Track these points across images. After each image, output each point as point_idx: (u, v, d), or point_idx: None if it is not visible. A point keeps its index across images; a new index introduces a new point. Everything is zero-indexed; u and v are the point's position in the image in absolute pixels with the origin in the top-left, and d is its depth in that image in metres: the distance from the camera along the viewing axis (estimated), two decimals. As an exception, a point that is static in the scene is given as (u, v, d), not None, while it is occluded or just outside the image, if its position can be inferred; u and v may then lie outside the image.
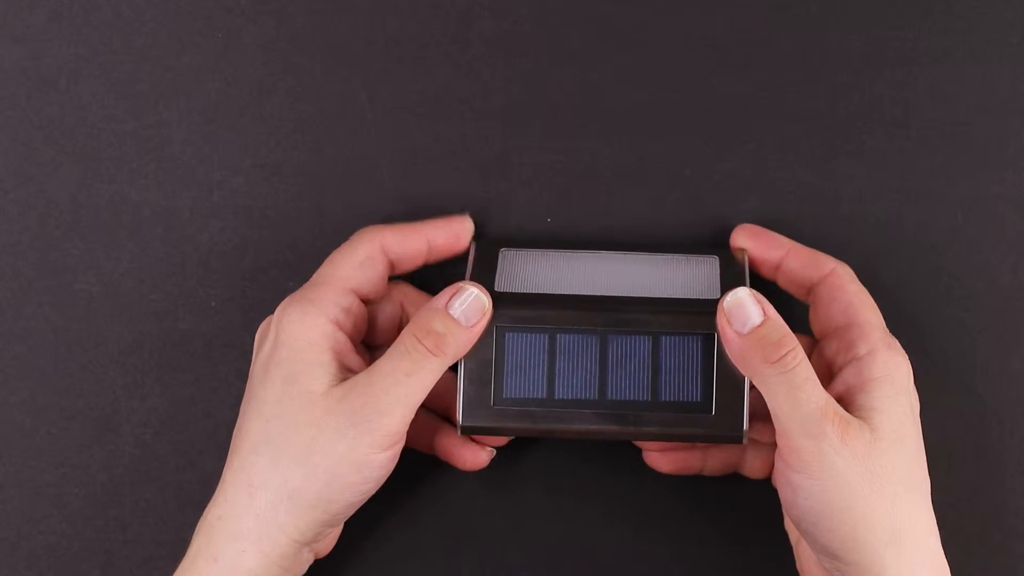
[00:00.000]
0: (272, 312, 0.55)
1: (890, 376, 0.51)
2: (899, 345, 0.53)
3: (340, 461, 0.50)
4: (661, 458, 0.56)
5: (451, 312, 0.52)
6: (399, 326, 0.56)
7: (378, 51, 0.59)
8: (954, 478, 0.58)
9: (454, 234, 0.56)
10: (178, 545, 0.57)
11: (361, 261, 0.54)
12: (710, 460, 0.56)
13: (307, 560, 0.53)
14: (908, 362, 0.53)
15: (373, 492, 0.52)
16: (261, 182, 0.59)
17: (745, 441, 0.53)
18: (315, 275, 0.54)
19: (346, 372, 0.52)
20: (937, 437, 0.58)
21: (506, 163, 0.59)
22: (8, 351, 0.59)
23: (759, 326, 0.51)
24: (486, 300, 0.52)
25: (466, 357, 0.52)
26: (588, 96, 0.59)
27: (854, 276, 0.55)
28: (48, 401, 0.59)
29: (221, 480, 0.52)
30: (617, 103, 0.59)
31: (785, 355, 0.50)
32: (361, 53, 0.59)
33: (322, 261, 0.58)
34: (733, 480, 0.57)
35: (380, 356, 0.52)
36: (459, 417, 0.53)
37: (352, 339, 0.53)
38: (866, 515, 0.49)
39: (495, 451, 0.56)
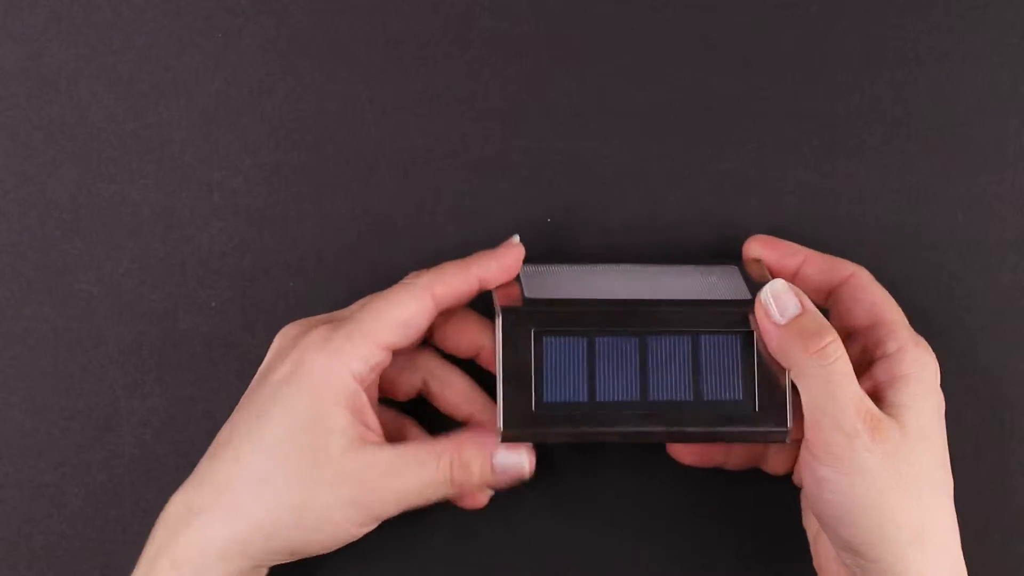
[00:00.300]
0: (274, 313, 0.55)
1: (919, 374, 0.52)
2: (927, 344, 0.53)
3: (327, 524, 0.51)
4: (684, 449, 0.56)
5: (495, 461, 0.52)
6: (415, 391, 0.56)
7: (378, 51, 0.59)
8: (954, 478, 0.58)
9: (505, 269, 0.54)
10: (178, 545, 0.57)
11: (404, 319, 0.52)
12: (732, 454, 0.56)
13: (262, 573, 0.54)
14: (936, 361, 0.53)
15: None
16: (261, 182, 0.59)
17: (788, 440, 0.52)
18: (356, 318, 0.52)
19: (359, 430, 0.51)
20: (937, 437, 0.58)
21: (506, 163, 0.59)
22: (8, 351, 0.59)
23: (798, 316, 0.51)
24: (528, 470, 0.52)
25: (504, 363, 0.51)
26: (588, 96, 0.59)
27: (873, 278, 0.55)
28: (48, 401, 0.59)
29: (198, 483, 0.51)
30: (617, 103, 0.59)
31: (826, 346, 0.50)
32: (361, 53, 0.59)
33: (322, 261, 0.58)
34: (748, 477, 0.57)
35: (397, 421, 0.54)
36: (500, 424, 0.51)
37: (370, 395, 0.53)
38: (892, 513, 0.50)
39: (493, 492, 0.56)
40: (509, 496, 0.58)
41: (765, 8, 0.59)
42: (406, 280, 0.53)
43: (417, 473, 0.51)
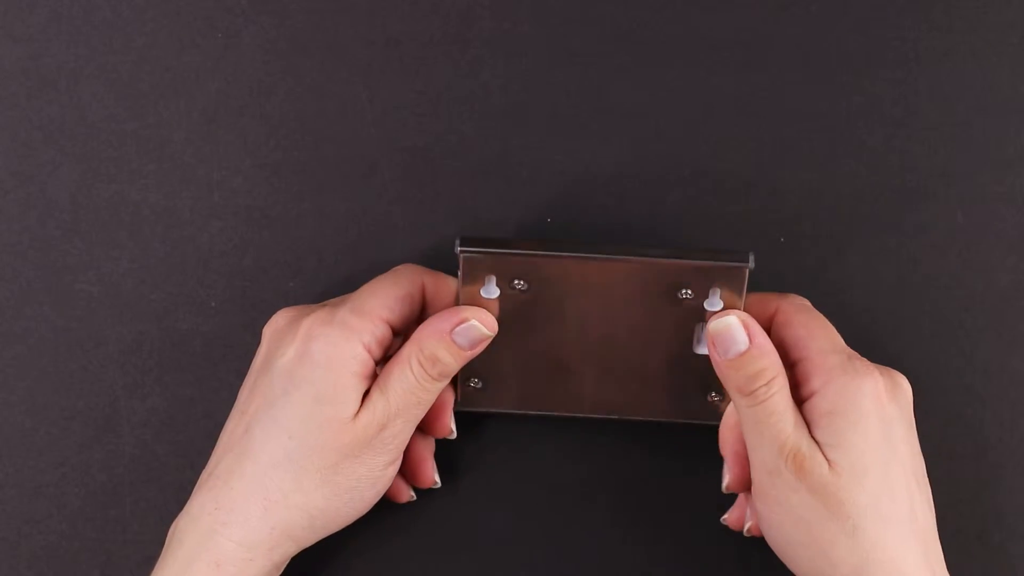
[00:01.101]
0: (271, 311, 0.55)
1: (844, 407, 0.50)
2: (862, 365, 0.51)
3: (360, 481, 0.52)
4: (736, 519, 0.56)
5: (456, 340, 0.52)
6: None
7: (378, 51, 0.59)
8: (954, 478, 0.58)
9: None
10: (178, 545, 0.57)
11: (401, 296, 0.53)
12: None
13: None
14: (875, 379, 0.51)
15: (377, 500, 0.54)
16: (261, 182, 0.59)
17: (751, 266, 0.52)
18: (353, 297, 0.53)
19: (366, 394, 0.52)
20: (937, 437, 0.58)
21: (506, 163, 0.59)
22: (8, 351, 0.59)
23: (741, 355, 0.50)
24: (488, 330, 0.53)
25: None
26: (588, 96, 0.59)
27: (801, 304, 0.54)
28: (48, 401, 0.59)
29: (225, 481, 0.51)
30: (617, 103, 0.59)
31: (757, 389, 0.50)
32: (361, 53, 0.59)
33: (322, 261, 0.58)
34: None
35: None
36: (457, 242, 0.52)
37: (378, 361, 0.53)
38: (825, 549, 0.49)
39: (415, 497, 0.57)
40: (507, 500, 0.59)
41: (765, 8, 0.59)
42: (399, 267, 0.55)
43: (403, 390, 0.52)
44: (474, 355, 0.53)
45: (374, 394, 0.52)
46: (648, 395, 0.55)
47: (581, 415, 0.56)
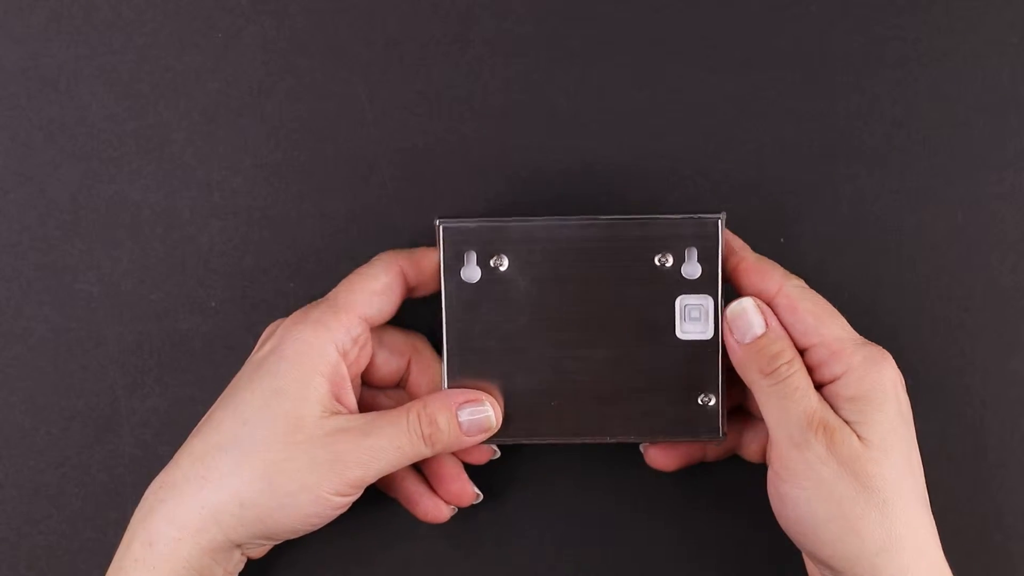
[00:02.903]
0: (274, 313, 0.55)
1: (869, 392, 0.51)
2: (878, 352, 0.52)
3: (301, 490, 0.50)
4: (663, 457, 0.56)
5: (460, 416, 0.52)
6: (397, 378, 0.56)
7: (378, 51, 0.59)
8: (954, 478, 0.58)
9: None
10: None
11: (379, 289, 0.53)
12: (710, 448, 0.56)
13: (240, 560, 0.53)
14: (891, 365, 0.52)
15: (320, 527, 0.52)
16: (261, 182, 0.59)
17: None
18: (331, 295, 0.53)
19: (335, 405, 0.52)
20: (937, 437, 0.58)
21: (506, 163, 0.59)
22: (8, 351, 0.59)
23: (760, 337, 0.51)
24: (495, 422, 0.53)
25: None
26: (588, 96, 0.59)
27: (803, 290, 0.53)
28: (48, 401, 0.59)
29: (174, 461, 0.52)
30: (617, 103, 0.59)
31: (779, 367, 0.51)
32: (361, 53, 0.59)
33: (322, 261, 0.58)
34: (736, 468, 0.57)
35: (374, 398, 0.54)
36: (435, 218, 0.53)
37: (351, 372, 0.53)
38: (855, 524, 0.49)
39: (457, 509, 0.56)
40: (498, 509, 0.59)
41: (765, 8, 0.59)
42: (375, 258, 0.55)
43: (390, 431, 0.51)
44: (470, 444, 0.53)
45: (357, 416, 0.52)
46: (636, 406, 0.54)
47: (572, 440, 0.55)
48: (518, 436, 0.54)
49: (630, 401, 0.54)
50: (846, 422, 0.51)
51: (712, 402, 0.54)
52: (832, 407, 0.51)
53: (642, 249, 0.53)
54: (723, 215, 0.53)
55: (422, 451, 0.52)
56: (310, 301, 0.57)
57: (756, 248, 0.55)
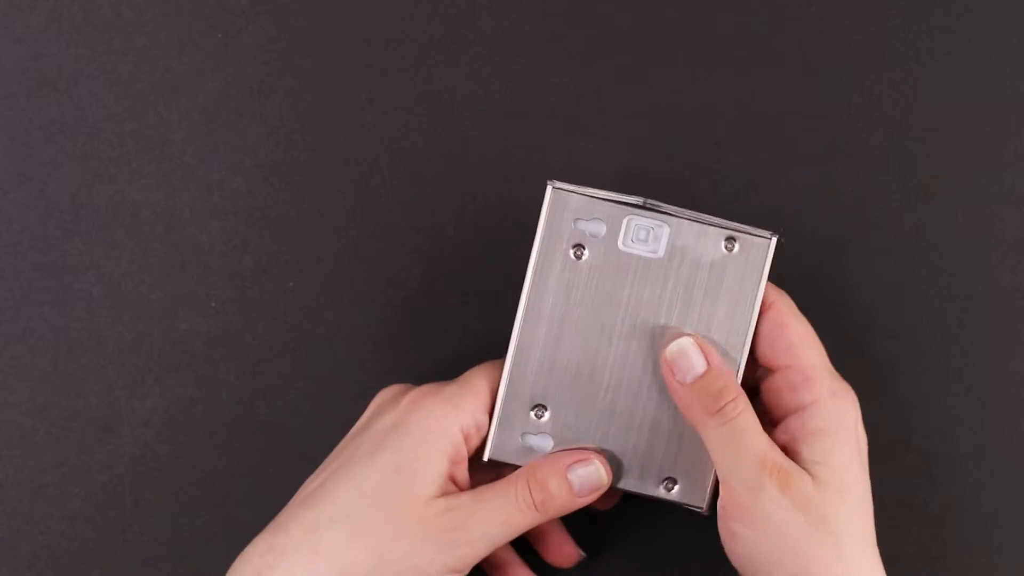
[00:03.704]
0: (274, 313, 0.55)
1: (833, 428, 0.50)
2: (845, 387, 0.52)
3: (410, 570, 0.49)
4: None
5: (570, 477, 0.51)
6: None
7: (378, 51, 0.59)
8: (954, 478, 0.58)
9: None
10: (178, 545, 0.57)
11: None
12: None
13: None
14: (855, 404, 0.51)
15: None
16: (261, 182, 0.59)
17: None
18: (465, 377, 0.52)
19: (449, 485, 0.51)
20: (937, 437, 0.58)
21: (506, 163, 0.59)
22: (8, 351, 0.59)
23: (701, 376, 0.50)
24: (606, 479, 0.52)
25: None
26: (588, 96, 0.59)
27: (794, 308, 0.53)
28: (48, 401, 0.59)
29: (282, 526, 0.50)
30: (617, 103, 0.59)
31: (725, 406, 0.50)
32: (361, 53, 0.59)
33: (322, 261, 0.58)
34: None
35: (484, 475, 0.52)
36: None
37: (469, 454, 0.52)
38: (809, 565, 0.49)
39: (584, 555, 0.56)
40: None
41: (765, 8, 0.59)
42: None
43: (498, 504, 0.50)
44: (582, 504, 0.52)
45: (465, 493, 0.51)
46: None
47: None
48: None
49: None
50: (805, 460, 0.50)
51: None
52: (795, 439, 0.51)
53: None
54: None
55: (533, 519, 0.51)
56: (310, 301, 0.57)
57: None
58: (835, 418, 0.51)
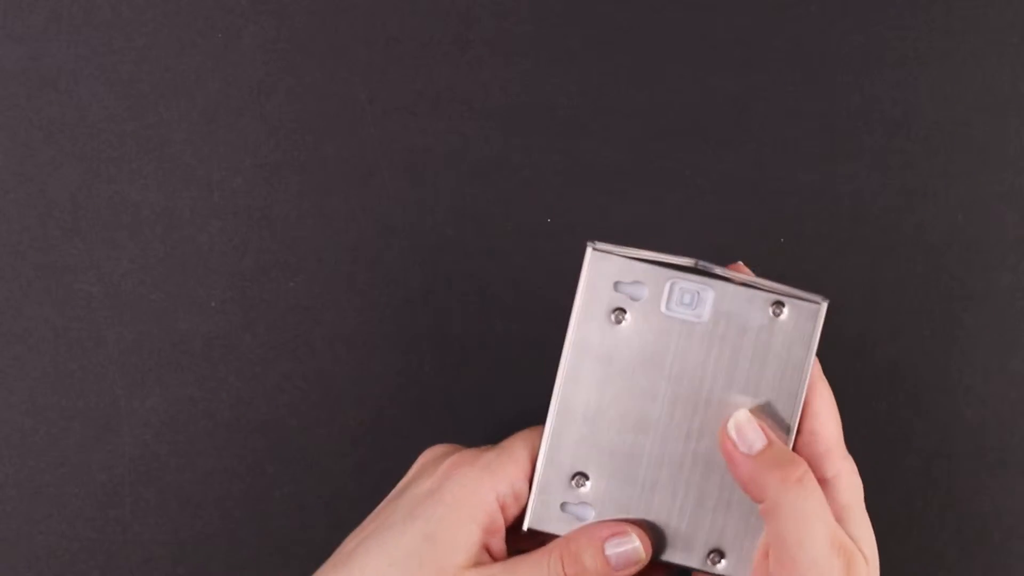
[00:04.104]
0: (273, 313, 0.55)
1: (857, 503, 0.49)
2: (852, 461, 0.50)
3: None
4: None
5: (607, 551, 0.50)
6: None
7: (378, 51, 0.59)
8: (954, 478, 0.58)
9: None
10: (178, 545, 0.57)
11: None
12: None
13: None
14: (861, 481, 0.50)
15: None
16: (261, 182, 0.59)
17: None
18: (506, 443, 0.51)
19: (483, 555, 0.50)
20: (937, 437, 0.58)
21: (506, 163, 0.59)
22: (8, 351, 0.59)
23: (766, 447, 0.49)
24: (644, 554, 0.50)
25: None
26: (588, 96, 0.59)
27: (820, 371, 0.51)
28: (48, 401, 0.59)
29: None
30: (617, 103, 0.59)
31: (802, 476, 0.48)
32: (361, 53, 0.59)
33: (322, 261, 0.58)
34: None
35: (527, 543, 0.51)
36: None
37: (507, 524, 0.51)
38: None
39: None
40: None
41: (765, 8, 0.59)
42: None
43: (528, 573, 0.49)
44: None
45: (498, 564, 0.49)
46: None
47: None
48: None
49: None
50: (853, 538, 0.49)
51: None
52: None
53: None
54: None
55: None
56: (309, 302, 0.57)
57: (756, 248, 0.55)
58: (857, 493, 0.50)
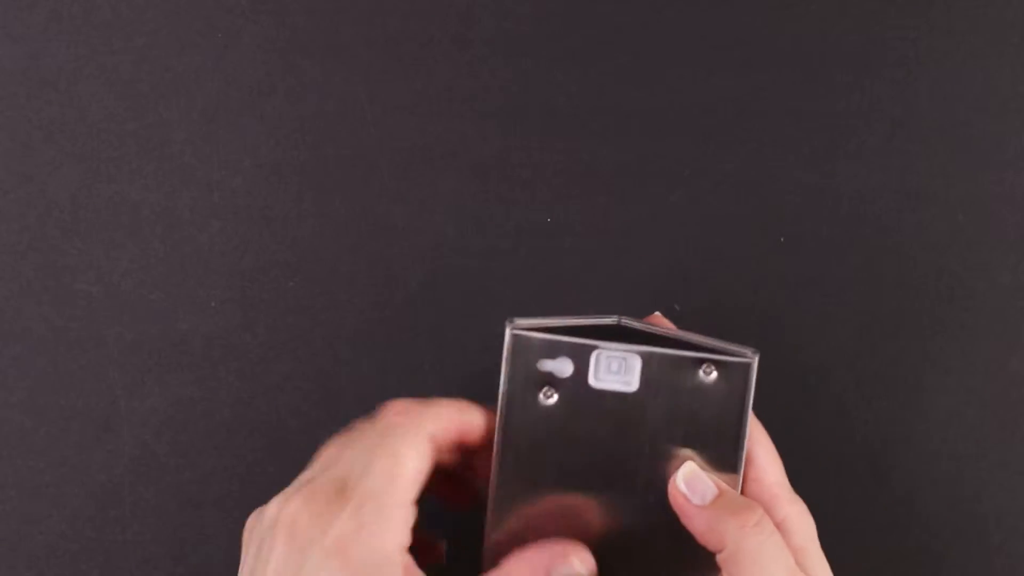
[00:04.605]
0: (273, 313, 0.55)
1: (810, 545, 0.49)
2: (803, 504, 0.50)
3: None
4: None
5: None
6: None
7: (378, 51, 0.59)
8: (954, 478, 0.58)
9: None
10: (177, 545, 0.57)
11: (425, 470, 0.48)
12: None
13: None
14: (811, 516, 0.50)
15: None
16: (261, 182, 0.59)
17: None
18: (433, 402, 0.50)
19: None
20: (938, 437, 0.58)
21: (506, 163, 0.59)
22: (8, 351, 0.59)
23: (719, 495, 0.48)
24: (586, 574, 0.48)
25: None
26: (588, 96, 0.59)
27: (758, 424, 0.50)
28: (48, 401, 0.59)
29: None
30: (617, 103, 0.59)
31: (760, 519, 0.47)
32: (361, 53, 0.59)
33: (322, 261, 0.58)
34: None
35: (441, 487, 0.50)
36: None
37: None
38: None
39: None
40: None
41: (765, 8, 0.59)
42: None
43: None
44: None
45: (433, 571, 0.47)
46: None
47: None
48: None
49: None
50: None
51: None
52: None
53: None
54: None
55: None
56: (310, 301, 0.57)
57: (756, 248, 0.55)
58: (810, 533, 0.49)
